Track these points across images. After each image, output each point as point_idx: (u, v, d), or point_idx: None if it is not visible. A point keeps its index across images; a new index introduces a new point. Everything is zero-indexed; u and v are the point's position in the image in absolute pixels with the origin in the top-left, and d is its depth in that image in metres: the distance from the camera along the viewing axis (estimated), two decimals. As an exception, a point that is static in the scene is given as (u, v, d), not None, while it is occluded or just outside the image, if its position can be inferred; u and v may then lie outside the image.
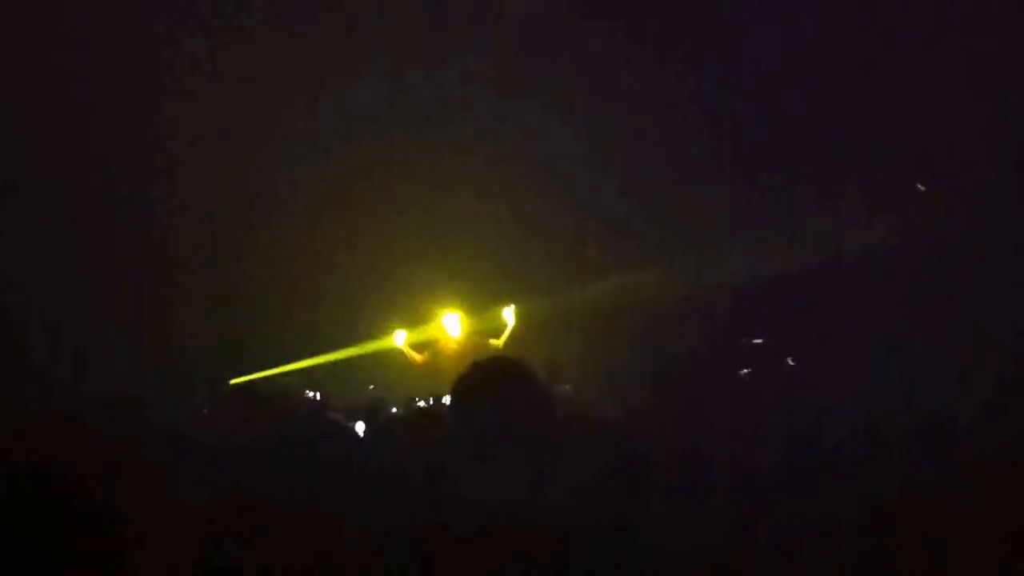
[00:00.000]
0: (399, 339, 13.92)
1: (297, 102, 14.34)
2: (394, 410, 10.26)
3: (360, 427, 5.93)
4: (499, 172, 14.44)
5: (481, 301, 14.10)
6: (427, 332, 14.22)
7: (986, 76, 10.27)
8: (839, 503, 3.95)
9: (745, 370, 9.14)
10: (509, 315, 13.06)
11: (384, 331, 14.44)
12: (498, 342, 12.72)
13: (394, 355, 14.07)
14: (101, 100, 13.17)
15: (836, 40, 11.65)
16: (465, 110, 14.41)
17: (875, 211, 11.51)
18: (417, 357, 13.59)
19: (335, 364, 14.89)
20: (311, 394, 12.16)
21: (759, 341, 10.28)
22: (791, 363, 9.88)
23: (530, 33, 13.74)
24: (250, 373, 13.53)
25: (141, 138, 13.54)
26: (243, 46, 13.63)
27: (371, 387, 13.52)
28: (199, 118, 13.48)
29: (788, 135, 12.19)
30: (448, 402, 3.87)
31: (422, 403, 11.17)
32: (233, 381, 12.23)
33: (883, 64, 11.32)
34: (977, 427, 4.46)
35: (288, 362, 14.31)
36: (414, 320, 14.50)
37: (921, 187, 11.07)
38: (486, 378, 3.46)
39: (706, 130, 13.03)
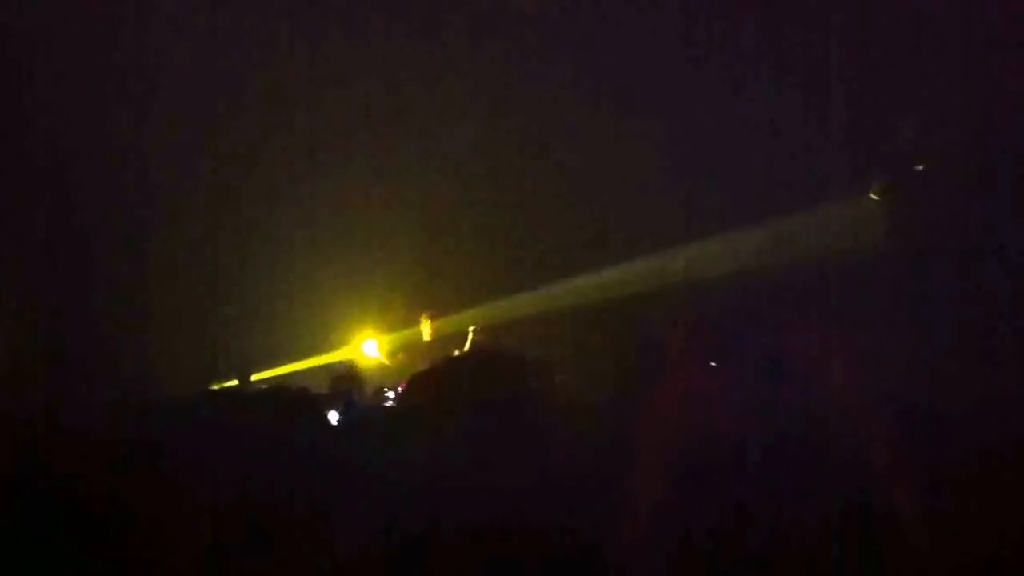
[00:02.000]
0: (369, 348, 14.02)
1: (280, 110, 14.36)
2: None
3: (333, 416, 5.97)
4: (471, 176, 14.50)
5: (452, 305, 14.16)
6: (397, 338, 14.28)
7: (971, 75, 10.39)
8: (824, 503, 3.99)
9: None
10: (471, 330, 13.19)
11: (352, 339, 14.48)
12: (462, 354, 12.81)
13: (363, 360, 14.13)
14: (103, 100, 13.17)
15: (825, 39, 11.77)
16: (439, 115, 14.44)
17: (857, 208, 11.65)
18: (389, 362, 13.67)
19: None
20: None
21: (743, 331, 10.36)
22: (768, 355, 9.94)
23: (513, 34, 13.82)
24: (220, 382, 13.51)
25: (137, 142, 13.56)
26: (240, 47, 13.64)
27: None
28: (193, 123, 13.54)
29: (768, 132, 12.32)
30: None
31: (391, 393, 11.22)
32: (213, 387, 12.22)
33: (863, 65, 11.46)
34: (959, 427, 4.53)
35: (257, 371, 14.29)
36: (382, 327, 14.54)
37: (874, 196, 11.18)
38: (478, 378, 3.51)
39: (684, 125, 13.13)
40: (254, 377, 13.78)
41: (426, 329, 13.68)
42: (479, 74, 14.07)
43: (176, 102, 13.67)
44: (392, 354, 14.14)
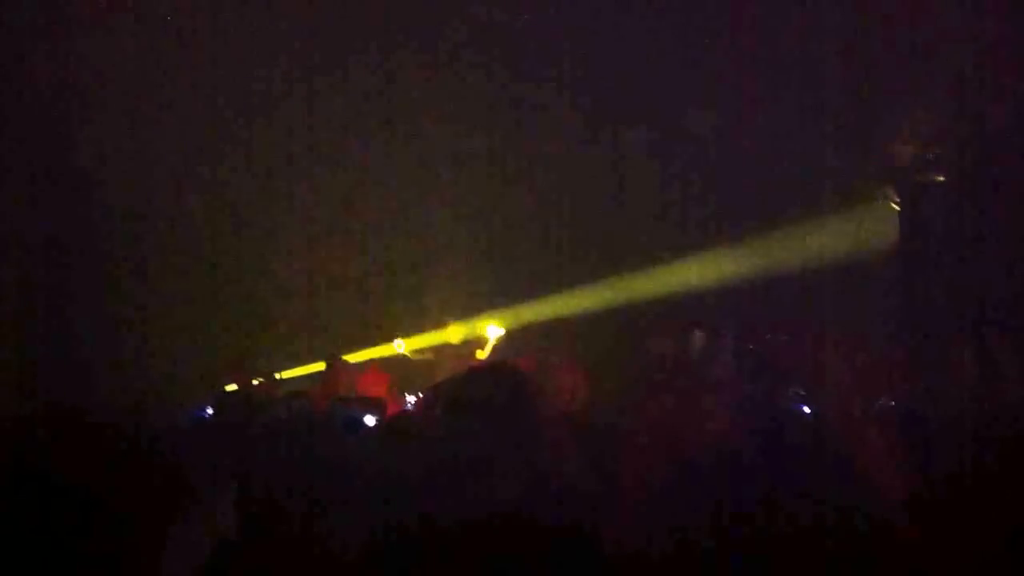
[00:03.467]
0: (399, 348, 14.10)
1: (285, 110, 14.45)
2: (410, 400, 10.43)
3: (370, 420, 6.03)
4: (492, 181, 14.57)
5: (475, 307, 14.23)
6: (424, 339, 14.36)
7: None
8: (822, 508, 4.00)
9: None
10: (492, 331, 13.24)
11: (380, 338, 14.54)
12: (483, 353, 12.91)
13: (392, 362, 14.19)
14: (103, 102, 13.30)
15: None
16: (456, 115, 14.52)
17: (854, 210, 11.65)
18: (418, 356, 13.78)
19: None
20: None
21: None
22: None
23: (509, 40, 13.89)
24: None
25: (140, 143, 13.68)
26: (241, 47, 13.76)
27: None
28: (197, 125, 13.67)
29: (765, 135, 12.34)
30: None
31: (411, 398, 11.31)
32: (228, 388, 12.25)
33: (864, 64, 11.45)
34: (950, 429, 4.55)
35: (282, 370, 14.33)
36: (409, 328, 14.61)
37: (895, 205, 11.16)
38: (480, 387, 3.60)
39: (686, 131, 13.19)
40: (282, 375, 13.82)
41: (453, 331, 13.76)
42: (502, 76, 14.15)
43: (191, 100, 13.81)
44: (419, 352, 14.22)
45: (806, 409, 5.22)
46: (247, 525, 3.45)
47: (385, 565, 3.38)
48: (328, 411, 6.33)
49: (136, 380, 12.59)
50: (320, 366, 13.81)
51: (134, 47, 13.45)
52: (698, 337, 10.06)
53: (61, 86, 13.26)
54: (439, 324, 14.10)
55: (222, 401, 7.26)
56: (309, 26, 13.95)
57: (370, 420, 5.99)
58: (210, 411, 7.57)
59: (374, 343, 14.69)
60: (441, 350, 13.86)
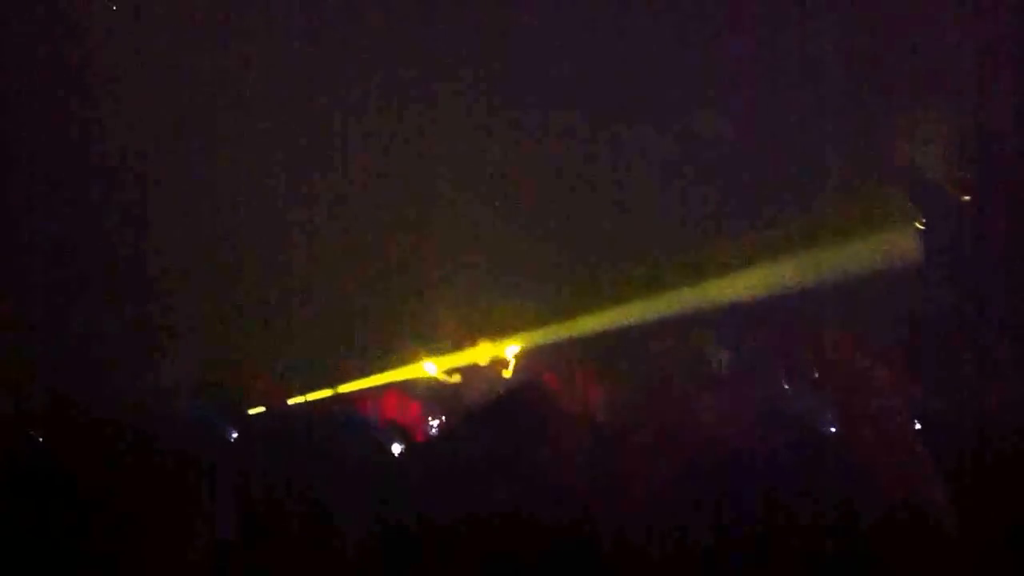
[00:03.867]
0: (429, 369, 14.09)
1: (314, 117, 14.43)
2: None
3: (396, 448, 6.04)
4: (520, 199, 14.55)
5: (500, 326, 14.19)
6: (453, 360, 14.31)
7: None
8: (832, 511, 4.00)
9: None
10: (511, 351, 13.29)
11: (408, 359, 14.48)
12: (508, 373, 12.96)
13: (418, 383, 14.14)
14: (110, 99, 13.29)
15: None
16: (483, 129, 14.48)
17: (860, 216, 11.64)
18: (450, 379, 13.76)
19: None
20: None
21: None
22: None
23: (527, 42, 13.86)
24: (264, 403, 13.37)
25: (150, 145, 13.68)
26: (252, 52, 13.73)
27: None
28: (212, 126, 13.66)
29: (768, 137, 12.36)
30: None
31: (435, 422, 11.28)
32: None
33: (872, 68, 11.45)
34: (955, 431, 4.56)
35: (307, 392, 14.22)
36: (439, 348, 14.55)
37: (919, 225, 11.17)
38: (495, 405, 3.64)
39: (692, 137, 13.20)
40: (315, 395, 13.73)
41: (481, 351, 13.75)
42: (503, 81, 14.12)
43: (206, 105, 13.78)
44: (448, 373, 14.18)
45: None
46: (247, 525, 3.46)
47: (385, 565, 3.39)
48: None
49: (136, 380, 12.57)
50: (345, 388, 13.74)
51: (140, 46, 13.44)
52: (700, 337, 10.05)
53: (64, 84, 13.26)
54: (468, 344, 14.08)
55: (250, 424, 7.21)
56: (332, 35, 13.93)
57: (396, 449, 6.01)
58: (235, 435, 7.52)
59: (403, 364, 14.60)
60: (468, 371, 13.84)
